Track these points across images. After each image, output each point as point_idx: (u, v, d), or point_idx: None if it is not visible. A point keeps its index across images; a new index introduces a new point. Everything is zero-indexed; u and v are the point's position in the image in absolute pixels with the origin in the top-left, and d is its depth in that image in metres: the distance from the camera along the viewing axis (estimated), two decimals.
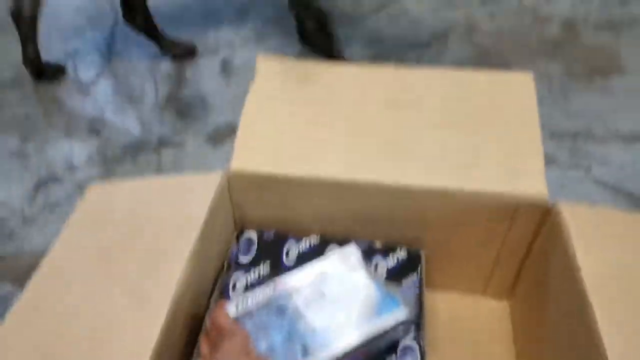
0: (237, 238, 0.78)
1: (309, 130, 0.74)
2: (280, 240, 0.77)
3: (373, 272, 0.65)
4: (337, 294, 0.62)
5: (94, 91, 1.45)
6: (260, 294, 0.62)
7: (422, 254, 0.74)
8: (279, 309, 0.61)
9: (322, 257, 0.67)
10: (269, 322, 0.60)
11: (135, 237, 0.64)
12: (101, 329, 0.54)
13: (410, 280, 0.70)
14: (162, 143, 1.27)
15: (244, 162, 0.72)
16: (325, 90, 0.79)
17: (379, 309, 0.60)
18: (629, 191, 1.11)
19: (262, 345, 0.57)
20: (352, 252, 0.67)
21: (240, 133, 0.75)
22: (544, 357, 0.64)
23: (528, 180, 0.66)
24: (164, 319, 0.54)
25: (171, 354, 0.57)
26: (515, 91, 0.77)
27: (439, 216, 0.70)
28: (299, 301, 0.61)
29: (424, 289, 0.71)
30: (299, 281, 0.63)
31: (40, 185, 1.16)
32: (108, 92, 1.45)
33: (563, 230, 0.60)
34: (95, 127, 1.32)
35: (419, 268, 0.72)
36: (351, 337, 0.58)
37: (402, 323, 0.61)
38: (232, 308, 0.60)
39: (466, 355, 0.73)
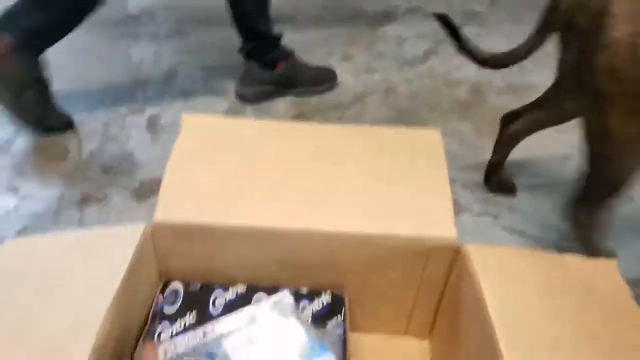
0: (162, 290, 0.78)
1: (233, 182, 0.77)
2: (206, 290, 0.77)
3: (303, 318, 0.67)
4: (267, 339, 0.64)
5: (11, 149, 1.40)
6: (190, 340, 0.63)
7: (346, 297, 0.77)
8: (208, 355, 0.61)
9: (253, 303, 0.68)
10: None
11: (53, 291, 0.63)
12: None
13: (335, 323, 0.72)
14: (85, 199, 1.23)
15: (168, 214, 0.73)
16: (250, 145, 0.82)
17: (308, 355, 0.62)
18: (532, 234, 1.21)
19: None
20: (283, 299, 0.69)
21: (164, 185, 0.77)
22: None
23: (439, 225, 0.72)
24: None
25: None
26: (426, 146, 0.84)
27: (359, 260, 0.74)
28: (228, 347, 0.62)
29: (348, 330, 0.73)
30: (228, 327, 0.65)
31: None
32: (27, 149, 1.40)
33: (471, 270, 0.65)
34: (13, 185, 1.27)
35: (343, 310, 0.74)
36: None
37: None
38: (160, 353, 0.60)
39: None
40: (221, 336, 0.63)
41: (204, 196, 0.75)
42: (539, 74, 1.95)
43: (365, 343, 0.82)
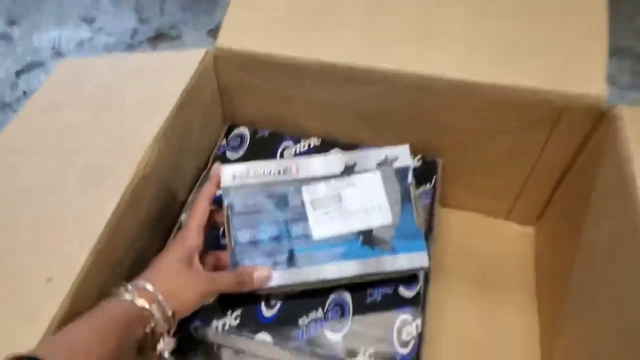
0: (226, 134, 0.70)
1: (313, 5, 0.63)
2: (275, 138, 0.68)
3: (413, 195, 0.52)
4: (357, 207, 0.51)
5: None
6: (267, 169, 0.51)
7: (439, 162, 0.65)
8: (281, 199, 0.51)
9: (360, 151, 0.55)
10: (263, 209, 0.50)
11: (101, 114, 0.57)
12: (50, 209, 0.47)
13: (422, 192, 0.61)
14: (160, 36, 1.17)
15: (232, 39, 0.62)
16: None
17: (399, 246, 0.50)
18: None
19: (244, 237, 0.50)
20: (402, 159, 0.53)
21: (232, 6, 0.65)
22: (570, 285, 0.55)
23: (582, 78, 0.54)
24: (116, 202, 0.46)
25: (127, 242, 0.49)
26: None
27: (464, 118, 0.59)
28: (307, 197, 0.51)
29: (437, 202, 0.62)
30: (319, 171, 0.52)
31: (24, 71, 1.08)
32: None
33: (620, 138, 0.49)
34: (88, 15, 1.22)
35: (434, 179, 0.63)
36: (348, 267, 0.49)
37: (418, 270, 0.52)
38: (227, 173, 0.50)
39: (477, 282, 0.65)
40: (306, 180, 0.51)
41: (275, 22, 0.63)
42: None
43: (455, 221, 0.70)
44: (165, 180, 0.56)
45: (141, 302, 0.40)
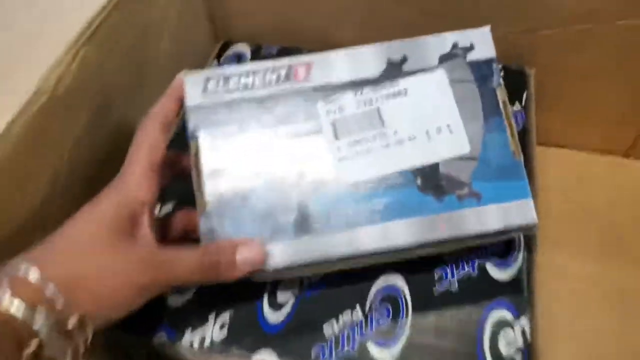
0: (219, 53, 0.52)
1: None
2: (287, 56, 0.49)
3: (504, 106, 0.32)
4: (409, 129, 0.31)
5: None
6: (259, 75, 0.32)
7: (531, 74, 0.45)
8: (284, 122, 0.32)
9: (412, 41, 0.33)
10: (254, 139, 0.31)
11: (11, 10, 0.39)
12: None
13: None
14: None
15: None
16: None
17: (487, 190, 0.30)
18: None
19: (223, 186, 0.30)
20: (481, 48, 0.33)
21: None
22: None
23: None
24: None
25: (25, 210, 0.31)
26: None
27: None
28: (326, 118, 0.32)
29: (533, 130, 0.42)
30: (345, 75, 0.32)
31: None
32: None
33: None
34: None
35: (524, 96, 0.44)
36: (399, 231, 0.30)
37: (520, 230, 0.32)
38: (195, 85, 0.32)
39: (589, 244, 0.45)
40: (328, 90, 0.32)
41: None
42: None
43: (553, 163, 0.50)
44: (108, 112, 0.37)
45: (12, 303, 0.21)
